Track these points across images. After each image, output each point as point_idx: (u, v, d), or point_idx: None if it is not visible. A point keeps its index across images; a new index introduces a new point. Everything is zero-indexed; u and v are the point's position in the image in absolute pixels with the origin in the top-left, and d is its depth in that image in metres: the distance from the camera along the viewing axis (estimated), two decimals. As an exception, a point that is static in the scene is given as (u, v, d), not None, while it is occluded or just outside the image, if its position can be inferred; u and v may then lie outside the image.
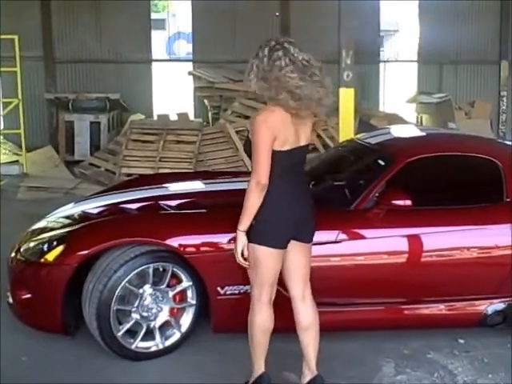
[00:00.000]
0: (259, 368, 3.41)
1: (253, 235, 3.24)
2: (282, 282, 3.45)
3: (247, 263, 3.26)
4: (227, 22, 14.65)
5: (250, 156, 3.40)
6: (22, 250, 4.17)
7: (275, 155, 3.17)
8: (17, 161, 11.60)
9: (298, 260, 3.38)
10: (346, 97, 7.78)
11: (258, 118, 3.19)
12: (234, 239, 3.30)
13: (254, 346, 3.38)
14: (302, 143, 3.29)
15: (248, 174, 3.50)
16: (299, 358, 3.47)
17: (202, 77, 13.34)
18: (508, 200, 4.24)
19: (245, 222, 3.19)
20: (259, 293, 3.32)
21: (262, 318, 3.33)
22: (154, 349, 3.94)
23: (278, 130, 3.14)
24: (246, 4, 14.42)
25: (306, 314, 3.40)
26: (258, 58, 3.18)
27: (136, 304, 3.88)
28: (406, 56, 16.67)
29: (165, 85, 15.30)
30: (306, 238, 3.39)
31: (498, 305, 4.16)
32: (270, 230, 3.23)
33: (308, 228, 3.38)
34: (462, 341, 4.22)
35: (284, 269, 3.38)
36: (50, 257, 3.89)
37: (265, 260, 3.25)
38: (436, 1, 15.11)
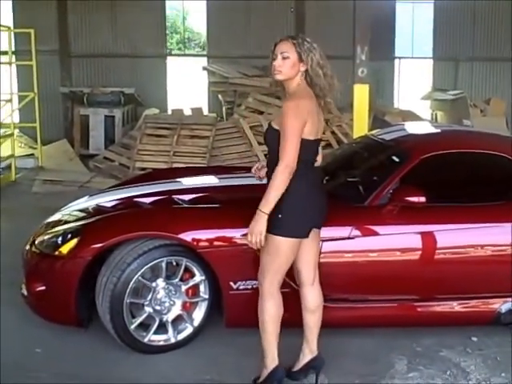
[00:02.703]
0: (273, 360, 3.43)
1: (278, 227, 3.25)
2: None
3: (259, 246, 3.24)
4: (242, 17, 14.66)
5: (268, 145, 3.40)
6: (36, 242, 4.20)
7: (302, 144, 3.22)
8: (32, 154, 11.71)
9: (311, 246, 3.47)
10: (361, 93, 7.76)
11: (290, 103, 3.21)
12: (247, 232, 3.29)
13: (266, 336, 3.40)
14: (319, 136, 3.38)
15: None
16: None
17: (216, 72, 13.36)
18: (523, 198, 4.22)
19: (270, 204, 3.16)
20: (270, 281, 3.36)
21: (273, 304, 3.37)
22: (166, 342, 3.96)
23: (308, 117, 3.20)
24: (260, -1, 14.41)
25: (315, 297, 3.54)
26: (297, 45, 3.24)
27: (149, 297, 3.90)
28: (422, 52, 16.56)
29: (179, 80, 15.33)
30: (320, 225, 3.48)
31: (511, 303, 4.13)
32: (296, 221, 3.28)
33: (323, 215, 3.47)
34: (475, 339, 4.20)
35: (297, 255, 3.44)
36: (64, 250, 3.92)
37: (286, 250, 3.30)
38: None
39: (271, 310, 3.38)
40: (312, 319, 3.54)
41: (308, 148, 3.26)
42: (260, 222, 3.18)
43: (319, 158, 3.54)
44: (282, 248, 3.29)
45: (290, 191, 3.22)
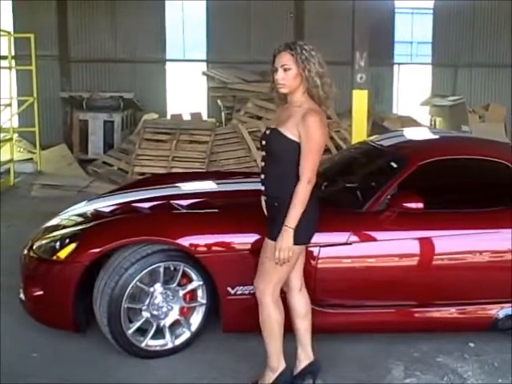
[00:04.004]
0: (281, 363, 3.46)
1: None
2: None
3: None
4: (241, 22, 14.70)
5: (273, 150, 3.34)
6: (34, 247, 4.20)
7: None
8: (31, 159, 11.72)
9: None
10: (360, 99, 7.78)
11: (315, 118, 3.20)
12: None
13: (273, 341, 3.41)
14: None
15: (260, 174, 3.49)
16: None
17: (215, 77, 13.38)
18: (521, 204, 4.22)
19: (296, 219, 3.20)
20: (274, 287, 3.36)
21: (278, 310, 3.38)
22: (163, 347, 3.96)
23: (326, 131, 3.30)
24: (260, 5, 14.46)
25: (304, 302, 3.57)
26: (296, 52, 3.22)
27: (146, 302, 3.90)
28: (421, 58, 16.60)
29: (179, 84, 15.36)
30: None
31: (509, 309, 4.13)
32: (305, 229, 3.30)
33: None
34: (472, 345, 4.20)
35: None
36: (62, 254, 3.91)
37: (294, 257, 3.31)
38: (451, 1, 15.07)
39: (277, 315, 3.38)
40: (304, 324, 3.55)
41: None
42: (287, 238, 3.21)
43: None
44: (292, 256, 3.30)
45: None
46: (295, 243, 3.26)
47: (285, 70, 3.24)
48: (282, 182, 3.28)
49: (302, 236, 3.31)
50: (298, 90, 3.29)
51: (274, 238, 3.27)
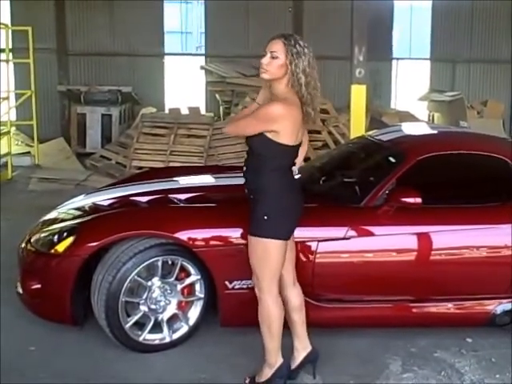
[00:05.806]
0: (278, 359, 3.47)
1: (264, 230, 3.27)
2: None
3: None
4: (240, 16, 14.66)
5: (250, 146, 3.36)
6: (32, 240, 4.19)
7: (285, 149, 3.24)
8: (29, 152, 11.69)
9: (290, 248, 3.49)
10: (358, 94, 7.77)
11: (284, 105, 3.16)
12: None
13: (272, 337, 3.41)
14: (299, 141, 3.36)
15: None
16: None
17: (213, 71, 13.34)
18: (519, 199, 4.22)
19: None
20: (269, 285, 3.35)
21: (276, 306, 3.38)
22: (161, 341, 3.96)
23: (288, 125, 3.19)
24: (259, -2, 14.41)
25: (299, 296, 3.58)
26: (289, 45, 3.18)
27: (144, 296, 3.90)
28: (419, 53, 16.57)
29: (177, 79, 15.33)
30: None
31: (506, 305, 4.14)
32: (280, 224, 3.29)
33: (299, 218, 3.46)
34: (469, 340, 4.20)
35: None
36: (60, 248, 3.91)
37: (275, 253, 3.30)
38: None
39: (276, 312, 3.38)
40: (300, 317, 3.57)
41: (289, 153, 3.29)
42: None
43: (300, 159, 3.53)
44: (270, 250, 3.29)
45: (274, 194, 3.26)
46: (269, 237, 3.26)
47: (272, 57, 3.21)
48: (257, 175, 3.30)
49: (281, 231, 3.31)
50: (281, 80, 3.24)
51: (252, 233, 3.31)
